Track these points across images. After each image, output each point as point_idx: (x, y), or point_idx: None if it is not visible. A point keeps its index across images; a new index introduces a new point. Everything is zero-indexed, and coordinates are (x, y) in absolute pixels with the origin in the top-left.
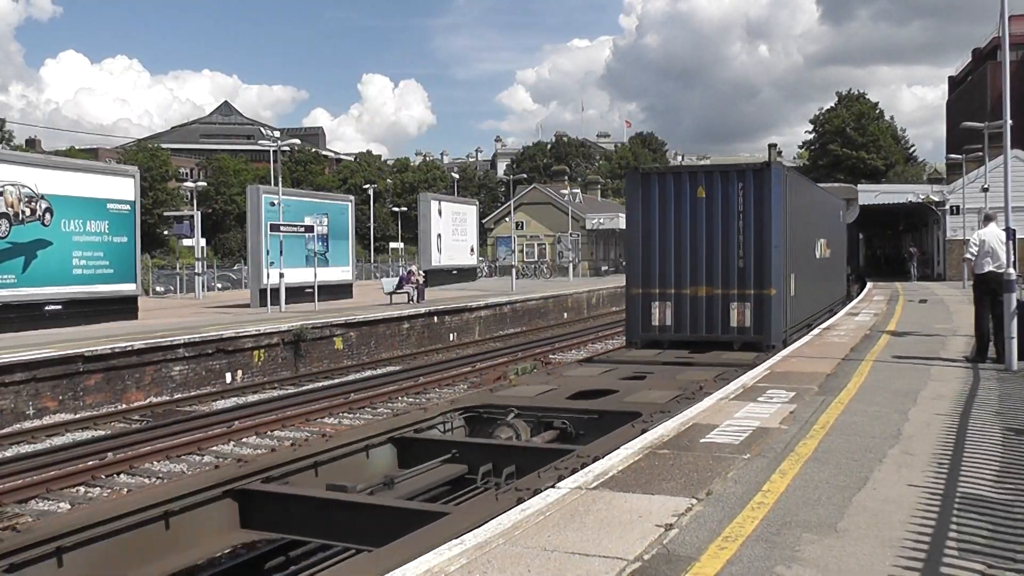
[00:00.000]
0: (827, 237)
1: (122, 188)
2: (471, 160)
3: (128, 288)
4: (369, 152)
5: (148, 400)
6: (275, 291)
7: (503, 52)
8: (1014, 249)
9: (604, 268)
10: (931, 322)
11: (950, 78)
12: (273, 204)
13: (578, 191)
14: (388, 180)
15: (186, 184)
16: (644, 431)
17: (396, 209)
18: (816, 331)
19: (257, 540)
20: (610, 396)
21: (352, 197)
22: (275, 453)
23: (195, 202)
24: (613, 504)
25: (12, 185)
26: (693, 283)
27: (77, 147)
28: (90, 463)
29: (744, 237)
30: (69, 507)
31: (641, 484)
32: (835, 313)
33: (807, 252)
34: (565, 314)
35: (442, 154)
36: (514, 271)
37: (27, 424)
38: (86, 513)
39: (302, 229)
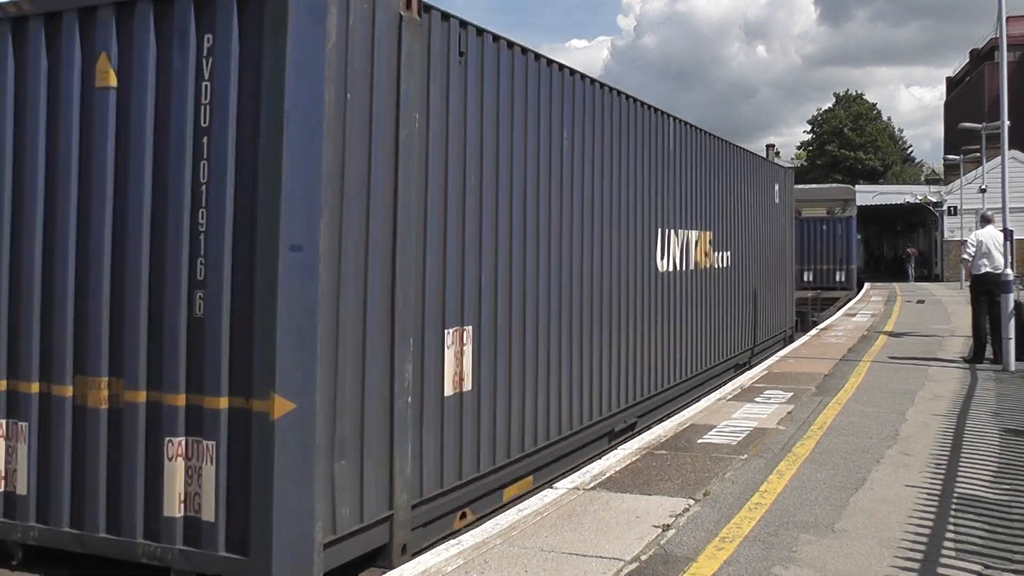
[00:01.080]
0: (713, 229)
1: None
2: None
3: None
4: None
5: None
6: None
7: None
8: (1012, 250)
9: None
10: (929, 323)
11: (948, 79)
12: None
13: None
14: None
15: None
16: None
17: None
18: (814, 332)
19: None
20: None
21: None
22: None
23: None
24: (610, 505)
25: None
26: (60, 371)
27: None
28: None
29: (210, 217)
30: None
31: (639, 485)
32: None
33: (604, 259)
34: None
35: None
36: None
37: None
38: None
39: None
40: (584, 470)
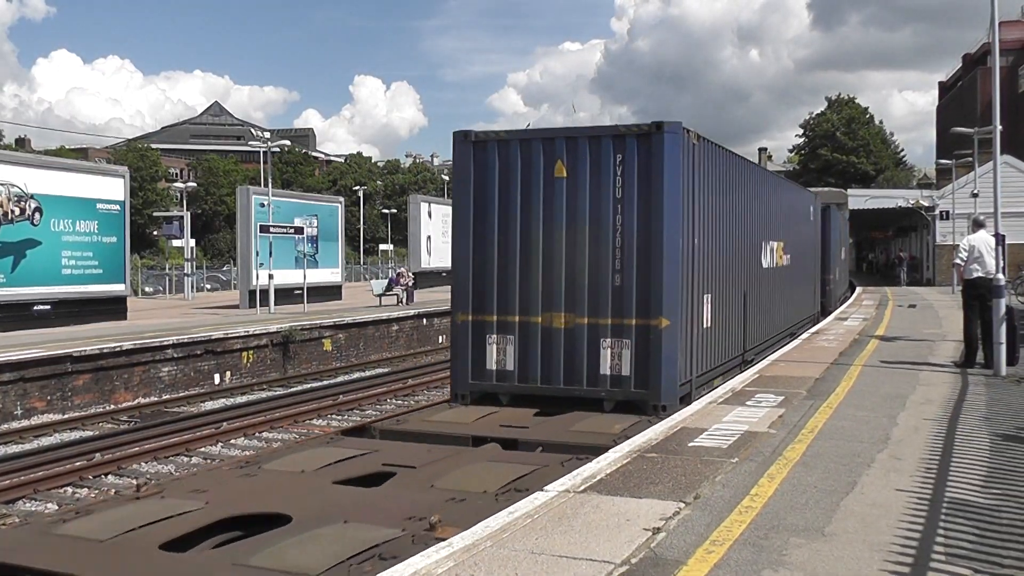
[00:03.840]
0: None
1: (112, 188)
2: None
3: (117, 288)
4: (359, 154)
5: (136, 401)
6: (264, 292)
7: (494, 54)
8: (1003, 255)
9: None
10: (920, 327)
11: (940, 83)
12: (263, 205)
13: None
14: (378, 182)
15: (176, 184)
16: None
17: (386, 211)
18: (805, 335)
19: None
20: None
21: (342, 199)
22: None
23: (185, 203)
24: (601, 507)
25: (1, 184)
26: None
27: (68, 147)
28: (78, 464)
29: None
30: (56, 507)
31: (629, 487)
32: None
33: None
34: None
35: (432, 156)
36: None
37: (15, 424)
38: None
39: (292, 230)
40: (575, 472)
